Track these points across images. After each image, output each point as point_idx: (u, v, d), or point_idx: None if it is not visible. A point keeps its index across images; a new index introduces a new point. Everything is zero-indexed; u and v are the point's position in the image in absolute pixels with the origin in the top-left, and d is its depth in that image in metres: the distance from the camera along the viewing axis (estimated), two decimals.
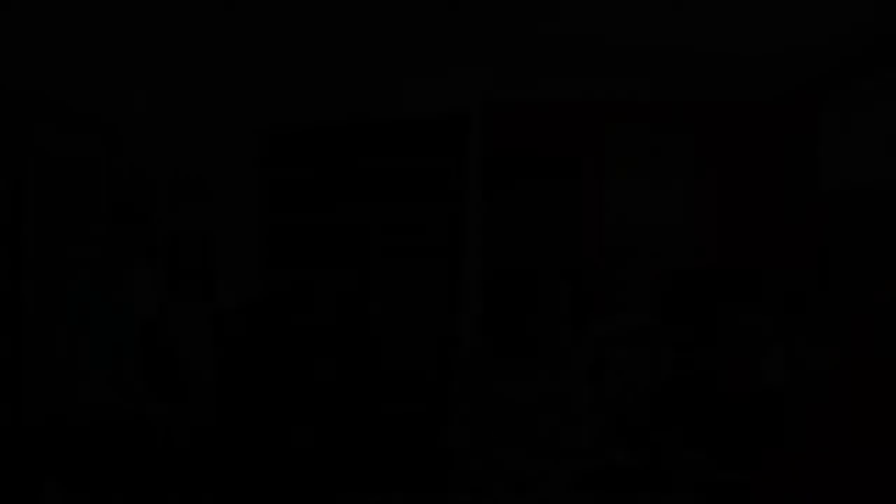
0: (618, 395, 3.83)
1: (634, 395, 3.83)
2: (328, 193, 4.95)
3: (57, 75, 3.78)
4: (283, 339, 4.68)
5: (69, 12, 3.74)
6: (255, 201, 4.96)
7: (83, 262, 4.10)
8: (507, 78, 4.93)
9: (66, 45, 3.90)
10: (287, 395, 4.64)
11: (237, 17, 3.97)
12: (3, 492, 2.80)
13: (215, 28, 4.13)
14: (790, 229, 4.93)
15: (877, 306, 3.52)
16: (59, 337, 3.26)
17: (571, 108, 5.15)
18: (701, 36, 4.23)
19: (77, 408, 3.26)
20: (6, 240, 3.31)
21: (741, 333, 2.77)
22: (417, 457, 4.50)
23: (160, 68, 4.78)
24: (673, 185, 5.18)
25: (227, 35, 4.25)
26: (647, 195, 5.18)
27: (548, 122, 5.14)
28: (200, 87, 4.91)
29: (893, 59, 3.72)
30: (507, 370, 3.03)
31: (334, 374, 3.42)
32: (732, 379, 2.84)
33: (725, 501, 2.66)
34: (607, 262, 4.99)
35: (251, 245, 4.95)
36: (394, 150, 4.95)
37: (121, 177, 4.48)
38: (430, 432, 4.78)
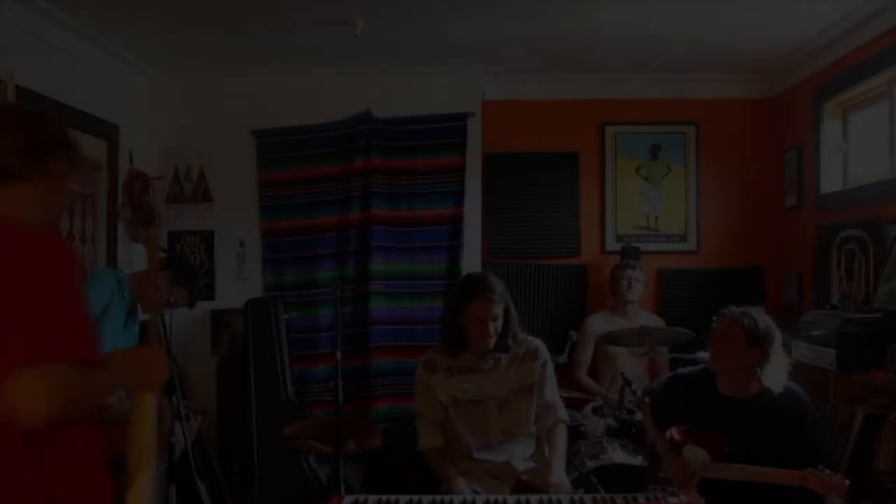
0: (618, 395, 3.83)
1: (634, 395, 3.81)
2: (327, 192, 4.93)
3: (57, 77, 3.78)
4: (281, 337, 4.68)
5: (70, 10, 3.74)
6: (255, 200, 4.95)
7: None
8: (506, 76, 4.92)
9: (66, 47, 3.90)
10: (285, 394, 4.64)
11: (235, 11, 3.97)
12: None
13: (215, 25, 4.13)
14: (790, 230, 4.92)
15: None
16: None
17: (572, 106, 5.14)
18: (701, 35, 4.23)
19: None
20: None
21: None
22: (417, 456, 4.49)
23: (159, 67, 4.78)
24: (673, 185, 5.16)
25: (225, 33, 4.25)
26: (647, 194, 5.16)
27: (547, 119, 5.12)
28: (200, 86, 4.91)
29: (893, 59, 3.71)
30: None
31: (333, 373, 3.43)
32: (730, 381, 2.84)
33: (722, 501, 2.67)
34: (607, 261, 4.98)
35: (252, 245, 4.95)
36: (394, 148, 4.93)
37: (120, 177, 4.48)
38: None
